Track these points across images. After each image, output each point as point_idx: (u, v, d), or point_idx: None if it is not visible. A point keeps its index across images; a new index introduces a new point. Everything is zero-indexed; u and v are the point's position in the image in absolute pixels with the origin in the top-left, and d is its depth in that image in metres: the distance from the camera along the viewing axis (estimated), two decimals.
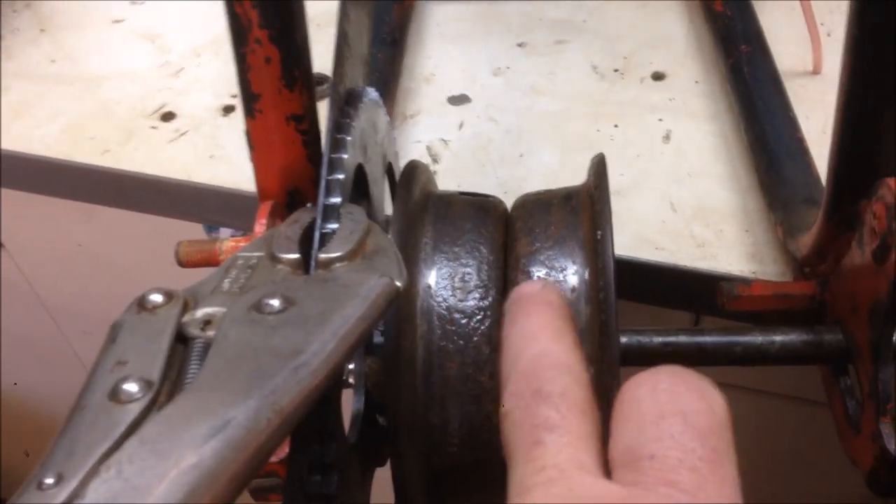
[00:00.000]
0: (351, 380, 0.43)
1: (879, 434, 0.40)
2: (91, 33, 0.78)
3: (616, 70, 0.71)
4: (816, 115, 0.63)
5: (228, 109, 0.71)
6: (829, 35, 0.69)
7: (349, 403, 0.42)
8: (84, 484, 0.23)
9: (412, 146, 0.66)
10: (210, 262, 0.41)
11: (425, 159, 0.65)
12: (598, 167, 0.44)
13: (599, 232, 0.40)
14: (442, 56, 0.73)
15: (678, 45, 0.72)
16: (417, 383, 0.40)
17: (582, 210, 0.43)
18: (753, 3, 0.69)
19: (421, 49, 0.74)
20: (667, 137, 0.65)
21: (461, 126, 0.68)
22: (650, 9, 0.75)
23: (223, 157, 0.67)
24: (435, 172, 0.64)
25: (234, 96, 0.71)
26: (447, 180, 0.63)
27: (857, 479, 0.43)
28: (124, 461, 0.23)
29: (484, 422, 0.40)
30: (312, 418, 0.35)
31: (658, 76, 0.70)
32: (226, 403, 0.25)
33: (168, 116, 0.70)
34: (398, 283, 0.32)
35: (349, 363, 0.42)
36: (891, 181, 0.39)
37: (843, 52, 0.41)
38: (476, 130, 0.67)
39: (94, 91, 0.73)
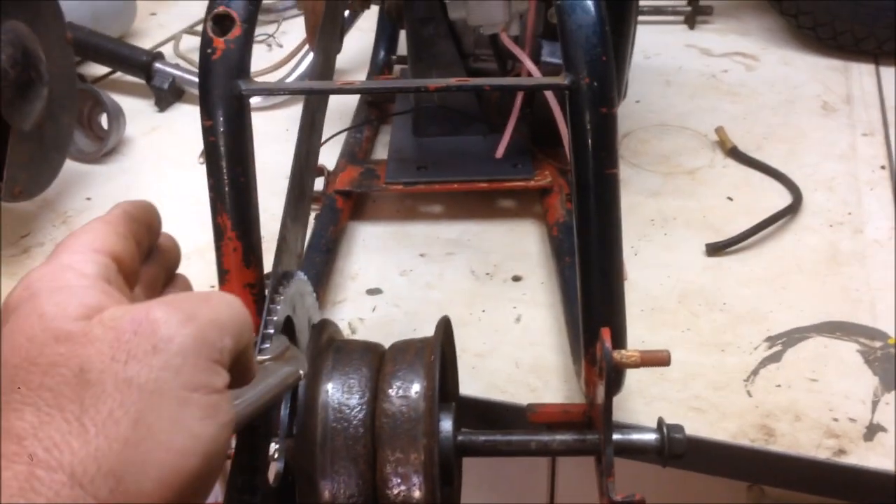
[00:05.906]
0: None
1: (608, 488, 0.63)
2: None
3: (487, 273, 0.98)
4: None
5: None
6: (635, 255, 0.98)
7: None
8: None
9: (338, 322, 0.91)
10: None
11: (346, 331, 0.90)
12: (443, 324, 0.70)
13: (433, 356, 0.66)
14: (364, 261, 1.01)
15: (532, 256, 1.00)
16: (316, 451, 0.63)
17: (427, 349, 0.68)
18: None
19: (349, 256, 1.02)
20: (518, 319, 0.92)
21: (374, 309, 0.94)
22: (515, 232, 1.04)
23: None
24: None
25: None
26: None
27: None
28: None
29: (362, 476, 0.63)
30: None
31: (517, 278, 0.98)
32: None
33: None
34: (301, 371, 0.57)
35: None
36: (603, 329, 0.65)
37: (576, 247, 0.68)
38: (384, 313, 0.94)
39: None
